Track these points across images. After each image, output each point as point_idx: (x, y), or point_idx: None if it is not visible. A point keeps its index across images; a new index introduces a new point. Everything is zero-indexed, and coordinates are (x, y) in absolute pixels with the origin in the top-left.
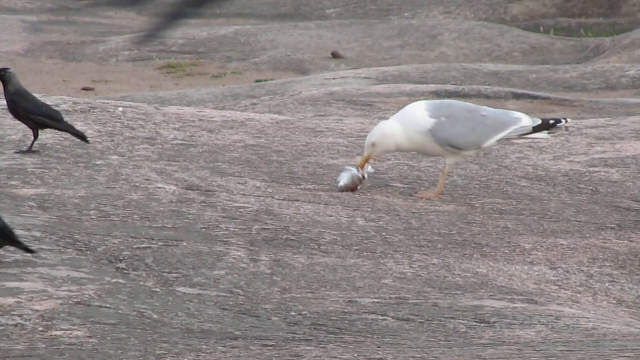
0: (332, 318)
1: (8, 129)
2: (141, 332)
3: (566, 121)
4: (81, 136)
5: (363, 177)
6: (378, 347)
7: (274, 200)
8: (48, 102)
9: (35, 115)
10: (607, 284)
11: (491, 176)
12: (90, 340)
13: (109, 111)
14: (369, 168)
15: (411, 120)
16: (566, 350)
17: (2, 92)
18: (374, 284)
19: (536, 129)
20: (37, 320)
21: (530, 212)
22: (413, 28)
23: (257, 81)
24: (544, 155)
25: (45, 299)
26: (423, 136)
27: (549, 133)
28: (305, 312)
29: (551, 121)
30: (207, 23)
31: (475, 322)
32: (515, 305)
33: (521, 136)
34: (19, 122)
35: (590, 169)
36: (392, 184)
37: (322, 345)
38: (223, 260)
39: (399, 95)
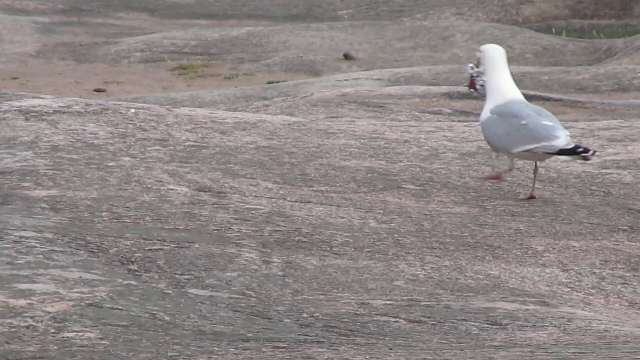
0: (344, 320)
1: (20, 130)
2: (153, 333)
3: (594, 153)
4: None
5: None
6: (390, 349)
7: (286, 202)
8: (60, 104)
9: None
10: (619, 286)
11: (503, 178)
12: (102, 342)
13: (121, 113)
14: (477, 70)
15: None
16: (578, 353)
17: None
18: (386, 286)
19: (562, 152)
20: (49, 322)
21: (542, 214)
22: (425, 29)
23: (269, 83)
24: (556, 156)
25: (57, 301)
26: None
27: (573, 158)
28: (317, 314)
29: (579, 149)
30: (219, 24)
31: (487, 324)
32: (527, 307)
33: (546, 154)
34: (32, 123)
35: (603, 170)
36: (404, 186)
37: (334, 348)
38: (235, 262)
39: (411, 96)
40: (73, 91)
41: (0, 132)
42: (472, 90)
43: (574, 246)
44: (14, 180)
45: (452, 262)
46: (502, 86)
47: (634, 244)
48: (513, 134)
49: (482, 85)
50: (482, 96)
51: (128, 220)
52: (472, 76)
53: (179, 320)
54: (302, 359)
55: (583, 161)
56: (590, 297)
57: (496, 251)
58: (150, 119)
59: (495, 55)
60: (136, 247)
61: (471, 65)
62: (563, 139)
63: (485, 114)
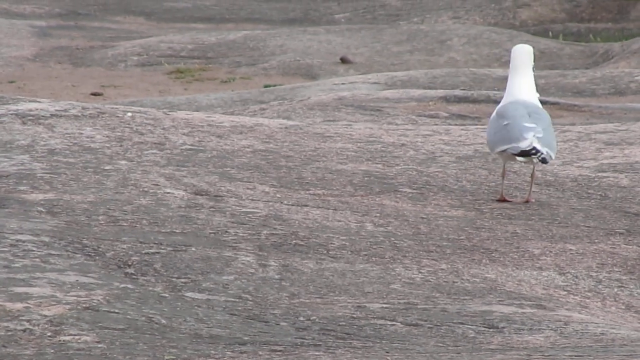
0: (340, 323)
1: (17, 134)
2: (150, 337)
3: (540, 155)
4: None
5: None
6: (387, 352)
7: (283, 206)
8: (57, 108)
9: None
10: (616, 289)
11: (500, 181)
12: (99, 345)
13: (117, 116)
14: None
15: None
16: (575, 356)
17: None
18: (382, 289)
19: (522, 154)
20: (46, 326)
21: (539, 217)
22: (422, 33)
23: (266, 86)
24: (553, 160)
25: (54, 304)
26: None
27: (525, 159)
28: (314, 318)
29: (532, 151)
30: (216, 28)
31: (484, 327)
32: (524, 310)
33: (512, 155)
34: (28, 127)
35: (599, 174)
36: (401, 189)
37: (330, 351)
38: (232, 266)
39: (408, 100)
40: (70, 95)
41: None
42: None
43: (570, 249)
44: (11, 184)
45: (449, 266)
46: (516, 87)
47: (630, 247)
48: (497, 134)
49: None
50: None
51: (125, 224)
52: None
53: (176, 324)
54: None
55: (540, 162)
56: (587, 300)
57: (493, 254)
58: (147, 123)
59: (516, 55)
60: (133, 250)
61: None
62: (528, 141)
63: (493, 114)
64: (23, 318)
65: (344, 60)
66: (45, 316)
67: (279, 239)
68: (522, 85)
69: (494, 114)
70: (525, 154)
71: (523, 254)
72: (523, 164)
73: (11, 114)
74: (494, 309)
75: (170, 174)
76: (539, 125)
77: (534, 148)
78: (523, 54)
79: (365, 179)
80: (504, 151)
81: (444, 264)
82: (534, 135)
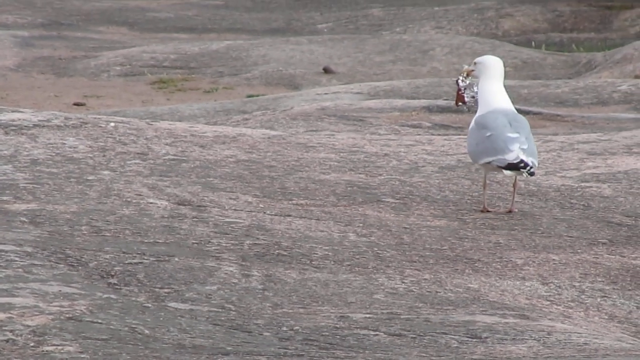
0: (324, 333)
1: (0, 144)
2: (133, 347)
3: (530, 169)
4: None
5: (457, 83)
6: None
7: (266, 216)
8: (40, 118)
9: None
10: (599, 299)
11: (482, 191)
12: (82, 355)
13: (100, 126)
14: (468, 82)
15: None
16: None
17: None
18: (365, 300)
19: (509, 167)
20: (29, 336)
21: (522, 227)
22: (405, 43)
23: (249, 96)
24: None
25: (37, 315)
26: None
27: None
28: (297, 328)
29: (521, 164)
30: (198, 38)
31: (467, 337)
32: (507, 320)
33: (498, 167)
34: (11, 137)
35: (582, 184)
36: (384, 199)
37: None
38: (215, 276)
39: (391, 110)
40: (52, 105)
41: None
42: (459, 104)
43: (553, 259)
44: None
45: (432, 276)
46: (491, 96)
47: (613, 257)
48: (480, 145)
49: (472, 97)
50: (470, 109)
51: (108, 234)
52: (459, 90)
53: (159, 334)
54: None
55: (528, 176)
56: (570, 310)
57: (476, 264)
58: (129, 133)
59: (491, 65)
60: (116, 260)
61: (462, 77)
62: (514, 154)
63: (471, 123)
64: (6, 328)
65: (326, 70)
66: (28, 326)
67: (262, 249)
68: (497, 94)
69: (472, 124)
70: (513, 167)
71: (506, 264)
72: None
73: None
74: (477, 319)
75: (153, 184)
76: (522, 134)
77: (522, 161)
78: (497, 63)
79: (348, 189)
80: (488, 163)
81: (427, 274)
82: (519, 147)
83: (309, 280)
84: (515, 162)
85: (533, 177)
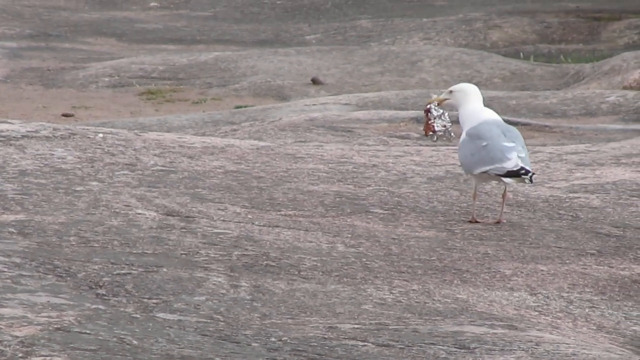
0: (312, 344)
1: None
2: (121, 358)
3: (531, 176)
4: None
5: (429, 112)
6: None
7: (254, 226)
8: (28, 129)
9: None
10: (587, 310)
11: (471, 202)
12: None
13: (89, 137)
14: (441, 111)
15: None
16: None
17: None
18: (354, 310)
19: (509, 174)
20: (17, 347)
21: (510, 238)
22: (393, 54)
23: (237, 107)
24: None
25: (25, 325)
26: None
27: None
28: (285, 338)
29: (522, 171)
30: (187, 49)
31: (456, 348)
32: (495, 331)
33: (497, 175)
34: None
35: (571, 195)
36: (372, 210)
37: None
38: (203, 286)
39: (379, 121)
40: (41, 116)
41: None
42: (429, 134)
43: (542, 270)
44: None
45: (420, 286)
46: (477, 112)
47: (601, 267)
48: (475, 155)
49: (444, 127)
50: (439, 139)
51: (96, 245)
52: (428, 120)
53: (147, 345)
54: None
55: (530, 184)
56: (558, 320)
57: (464, 275)
58: (118, 144)
59: (470, 91)
60: (104, 271)
61: (433, 106)
62: (513, 161)
63: (462, 136)
64: None
65: (315, 81)
66: (17, 337)
67: (250, 259)
68: (483, 110)
69: (463, 136)
70: (513, 174)
71: (494, 274)
72: (497, 184)
73: None
74: (465, 330)
75: (141, 195)
76: (517, 144)
77: (523, 168)
78: (475, 89)
79: (337, 199)
80: (485, 172)
81: (416, 284)
82: (517, 155)
83: (297, 290)
84: (515, 169)
85: (532, 183)
